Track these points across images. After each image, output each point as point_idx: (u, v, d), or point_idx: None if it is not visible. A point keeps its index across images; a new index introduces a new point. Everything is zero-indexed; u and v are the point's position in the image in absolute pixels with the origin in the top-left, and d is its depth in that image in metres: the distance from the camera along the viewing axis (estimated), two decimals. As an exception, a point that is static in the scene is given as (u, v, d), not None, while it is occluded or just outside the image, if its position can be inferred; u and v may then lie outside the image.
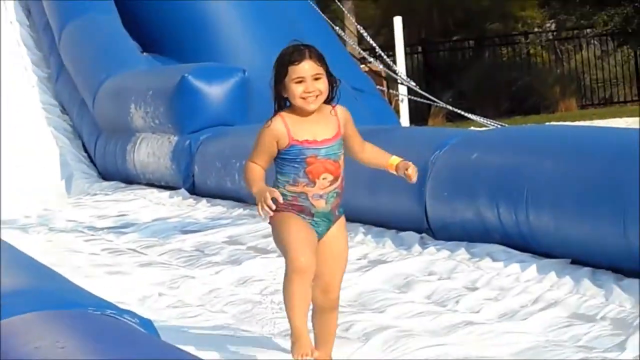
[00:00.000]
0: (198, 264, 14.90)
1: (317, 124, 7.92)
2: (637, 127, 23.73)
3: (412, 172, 7.99)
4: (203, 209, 18.93)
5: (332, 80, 8.03)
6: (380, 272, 13.29)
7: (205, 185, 20.29)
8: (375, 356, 9.71)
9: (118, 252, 16.03)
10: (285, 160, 7.92)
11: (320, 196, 7.90)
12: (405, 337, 10.09)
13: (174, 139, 21.40)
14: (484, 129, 26.49)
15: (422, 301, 11.83)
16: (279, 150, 7.89)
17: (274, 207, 7.68)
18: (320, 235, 7.96)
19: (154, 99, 22.18)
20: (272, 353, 9.90)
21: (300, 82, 7.78)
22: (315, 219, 7.94)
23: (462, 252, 12.37)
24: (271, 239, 14.93)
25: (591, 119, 45.09)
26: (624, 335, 9.03)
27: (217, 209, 19.22)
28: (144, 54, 25.74)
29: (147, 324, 6.17)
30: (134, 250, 16.12)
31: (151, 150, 22.32)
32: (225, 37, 27.29)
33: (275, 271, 13.81)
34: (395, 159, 8.12)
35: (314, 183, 7.82)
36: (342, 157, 7.95)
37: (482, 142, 15.28)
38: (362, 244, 14.74)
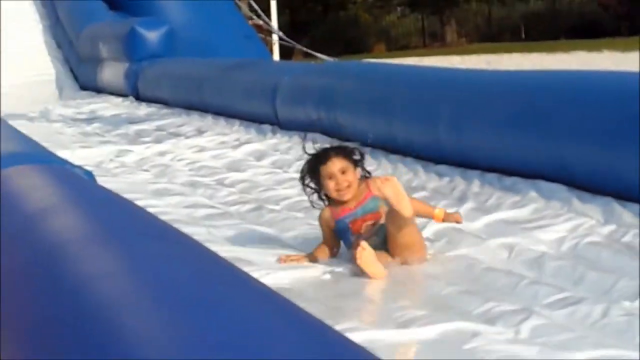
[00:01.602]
0: (136, 142, 14.62)
1: (353, 199, 7.16)
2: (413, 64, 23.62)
3: (459, 218, 7.14)
4: (143, 109, 18.72)
5: (359, 163, 7.24)
6: (245, 149, 13.00)
7: (144, 94, 19.99)
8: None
9: (87, 134, 15.98)
10: (341, 233, 7.23)
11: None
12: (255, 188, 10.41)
13: (126, 65, 21.38)
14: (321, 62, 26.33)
15: (269, 166, 11.53)
16: (333, 230, 7.24)
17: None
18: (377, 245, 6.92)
19: (115, 40, 22.06)
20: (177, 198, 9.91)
21: (330, 178, 7.16)
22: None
23: (295, 138, 11.74)
24: (178, 127, 15.60)
25: (392, 57, 43.07)
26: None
27: (151, 109, 18.42)
28: (111, 12, 25.45)
29: (89, 174, 6.22)
30: (98, 133, 15.83)
31: (112, 72, 22.32)
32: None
33: (182, 148, 13.70)
34: (440, 212, 7.15)
35: (360, 233, 7.02)
36: (381, 206, 7.01)
37: (314, 70, 15.19)
38: (237, 132, 14.60)
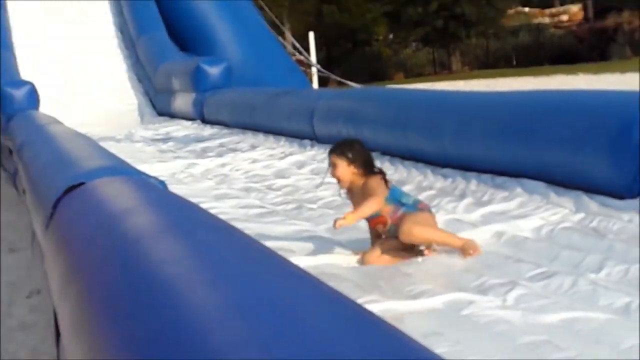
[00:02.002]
0: (201, 156, 14.37)
1: (363, 198, 6.71)
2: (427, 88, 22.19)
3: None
4: (207, 130, 18.64)
5: (356, 162, 6.77)
6: (289, 160, 12.87)
7: (208, 118, 19.90)
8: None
9: (163, 151, 15.77)
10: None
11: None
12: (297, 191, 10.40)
13: (194, 95, 21.35)
14: (351, 88, 26.33)
15: (308, 173, 11.42)
16: None
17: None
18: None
19: (184, 75, 22.09)
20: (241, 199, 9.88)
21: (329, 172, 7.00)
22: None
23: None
24: (235, 143, 15.53)
25: (408, 83, 42.20)
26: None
27: (214, 130, 18.25)
28: (181, 52, 25.45)
29: (162, 183, 6.12)
30: (171, 150, 15.76)
31: (182, 101, 22.28)
32: (219, 40, 26.94)
33: (238, 160, 13.56)
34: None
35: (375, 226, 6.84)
36: (385, 208, 6.67)
37: (344, 95, 15.16)
38: (283, 147, 14.28)
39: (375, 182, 6.66)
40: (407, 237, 6.42)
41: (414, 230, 6.40)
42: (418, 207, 6.65)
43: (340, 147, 6.92)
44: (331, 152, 6.93)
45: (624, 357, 4.13)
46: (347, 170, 6.74)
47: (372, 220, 6.77)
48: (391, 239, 6.65)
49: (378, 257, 6.57)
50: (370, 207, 6.60)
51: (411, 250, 6.55)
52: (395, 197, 6.63)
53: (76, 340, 3.32)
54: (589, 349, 4.21)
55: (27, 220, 10.29)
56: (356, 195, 6.84)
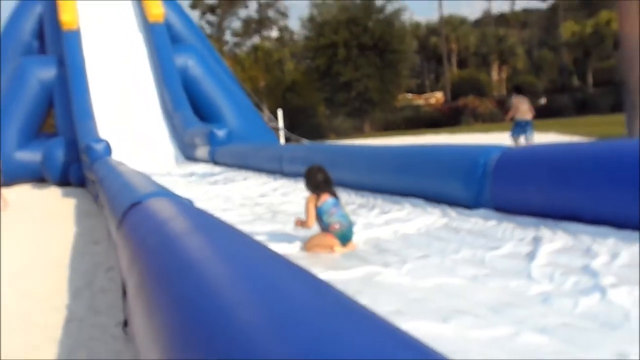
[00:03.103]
0: (213, 185, 14.00)
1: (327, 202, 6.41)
2: (349, 144, 21.59)
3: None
4: (217, 169, 18.39)
5: (306, 185, 6.58)
6: (268, 186, 12.79)
7: (218, 161, 19.68)
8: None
9: (189, 182, 15.51)
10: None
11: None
12: (273, 205, 10.32)
13: (208, 147, 21.28)
14: (304, 144, 26.29)
15: (279, 195, 11.34)
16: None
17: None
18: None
19: (203, 136, 22.06)
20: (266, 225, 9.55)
21: None
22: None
23: (292, 181, 12.20)
24: (234, 177, 15.23)
25: (338, 140, 42.27)
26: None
27: (221, 169, 17.98)
28: (200, 122, 25.41)
29: (190, 201, 6.04)
30: (194, 182, 15.70)
31: (202, 151, 22.16)
32: (223, 114, 26.91)
33: (236, 187, 13.49)
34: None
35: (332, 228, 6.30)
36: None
37: (300, 148, 15.49)
38: (263, 179, 14.19)
39: (308, 199, 6.45)
40: (306, 248, 6.33)
41: (306, 247, 6.33)
42: (329, 228, 6.29)
43: (304, 176, 6.72)
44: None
45: (472, 305, 4.11)
46: (307, 190, 6.57)
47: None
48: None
49: (311, 247, 6.35)
50: (303, 216, 6.51)
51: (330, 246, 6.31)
52: (320, 214, 6.36)
53: (137, 300, 3.35)
54: (451, 302, 4.18)
55: (104, 224, 10.29)
56: None
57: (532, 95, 43.50)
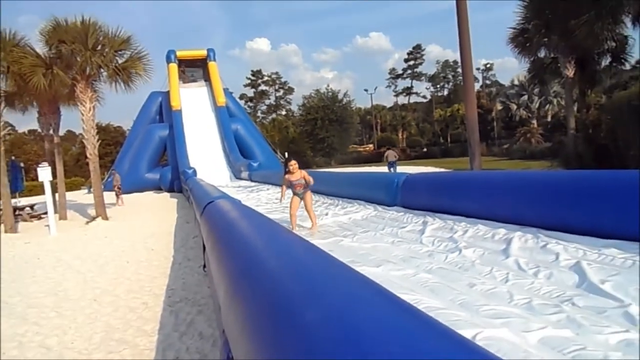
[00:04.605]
0: (250, 192, 13.66)
1: (295, 177, 5.84)
2: (323, 170, 20.68)
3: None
4: (253, 184, 18.15)
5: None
6: (279, 193, 12.82)
7: (254, 180, 19.30)
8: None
9: (237, 192, 14.98)
10: (289, 185, 5.90)
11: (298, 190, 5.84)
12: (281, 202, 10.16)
13: (248, 172, 20.96)
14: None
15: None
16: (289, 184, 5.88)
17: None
18: (300, 197, 5.90)
19: (245, 166, 21.90)
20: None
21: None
22: (299, 194, 5.87)
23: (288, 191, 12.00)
24: (261, 187, 14.63)
25: (318, 169, 41.93)
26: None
27: (255, 183, 17.75)
28: (242, 158, 25.08)
29: (239, 201, 5.56)
30: (240, 191, 15.23)
31: (244, 174, 21.79)
32: (255, 152, 26.53)
33: (262, 193, 12.93)
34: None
35: (295, 189, 5.88)
36: (303, 182, 5.88)
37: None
38: (278, 189, 13.62)
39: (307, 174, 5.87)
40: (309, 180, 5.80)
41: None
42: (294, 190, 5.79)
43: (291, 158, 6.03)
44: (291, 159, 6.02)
45: (391, 257, 3.96)
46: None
47: (299, 183, 5.88)
48: (302, 191, 5.89)
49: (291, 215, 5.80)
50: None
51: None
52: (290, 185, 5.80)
53: (211, 253, 3.25)
54: (380, 256, 4.06)
55: (192, 213, 10.05)
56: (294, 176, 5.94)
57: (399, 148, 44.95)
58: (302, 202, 5.94)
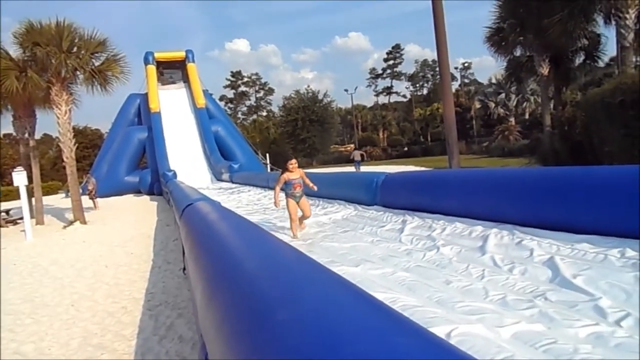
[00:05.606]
0: (231, 194, 13.52)
1: (295, 175, 5.41)
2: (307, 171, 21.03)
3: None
4: (234, 186, 17.87)
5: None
6: (265, 194, 11.87)
7: (235, 181, 18.95)
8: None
9: (218, 193, 14.83)
10: (286, 186, 5.38)
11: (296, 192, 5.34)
12: (259, 204, 9.82)
13: (229, 174, 20.77)
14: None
15: (266, 200, 10.61)
16: (285, 183, 5.38)
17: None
18: (297, 200, 5.42)
19: (225, 167, 21.71)
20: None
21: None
22: (296, 196, 5.38)
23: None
24: (242, 189, 14.53)
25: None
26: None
27: (236, 185, 17.58)
28: (223, 159, 24.92)
29: (219, 203, 5.52)
30: (220, 193, 15.05)
31: (225, 176, 21.56)
32: (236, 154, 26.31)
33: (243, 195, 12.98)
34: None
35: (294, 189, 5.36)
36: (302, 182, 5.46)
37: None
38: (261, 190, 13.45)
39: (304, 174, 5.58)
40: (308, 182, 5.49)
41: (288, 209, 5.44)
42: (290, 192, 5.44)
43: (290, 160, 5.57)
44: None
45: (370, 256, 3.96)
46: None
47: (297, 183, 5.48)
48: (300, 191, 5.52)
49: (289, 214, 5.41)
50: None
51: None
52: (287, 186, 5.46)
53: (190, 256, 3.22)
54: (359, 255, 4.03)
55: (172, 215, 9.96)
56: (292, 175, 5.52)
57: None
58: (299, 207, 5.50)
